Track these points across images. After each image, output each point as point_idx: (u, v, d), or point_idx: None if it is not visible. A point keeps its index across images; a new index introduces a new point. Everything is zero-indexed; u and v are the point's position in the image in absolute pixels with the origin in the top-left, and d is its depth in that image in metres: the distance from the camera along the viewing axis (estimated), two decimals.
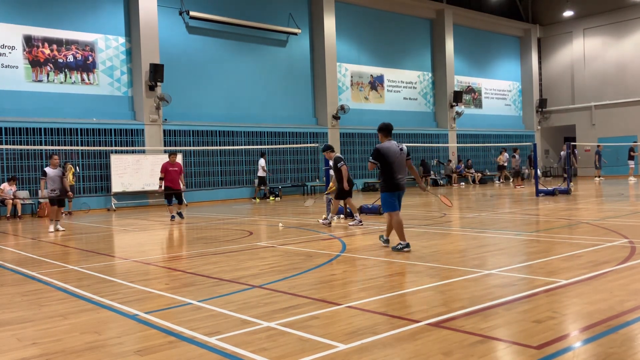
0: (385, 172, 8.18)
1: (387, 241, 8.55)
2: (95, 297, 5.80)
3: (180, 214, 15.11)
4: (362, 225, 11.64)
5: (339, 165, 12.03)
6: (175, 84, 21.68)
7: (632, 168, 26.83)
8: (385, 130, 8.33)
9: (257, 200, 22.39)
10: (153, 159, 20.40)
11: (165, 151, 21.20)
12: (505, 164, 27.95)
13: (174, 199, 15.04)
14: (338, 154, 12.63)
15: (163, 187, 14.76)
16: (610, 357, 3.56)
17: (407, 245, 8.02)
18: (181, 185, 15.02)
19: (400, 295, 5.43)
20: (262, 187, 22.47)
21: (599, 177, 27.79)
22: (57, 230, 13.09)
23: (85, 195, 19.44)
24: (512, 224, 11.22)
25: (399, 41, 29.76)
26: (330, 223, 11.98)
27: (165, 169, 14.75)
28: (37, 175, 18.74)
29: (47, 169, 13.11)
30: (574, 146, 30.41)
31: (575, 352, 3.70)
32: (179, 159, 20.58)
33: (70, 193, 13.72)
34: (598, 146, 28.12)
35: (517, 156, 25.82)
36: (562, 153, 24.94)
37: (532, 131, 35.75)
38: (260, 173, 22.25)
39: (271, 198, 22.58)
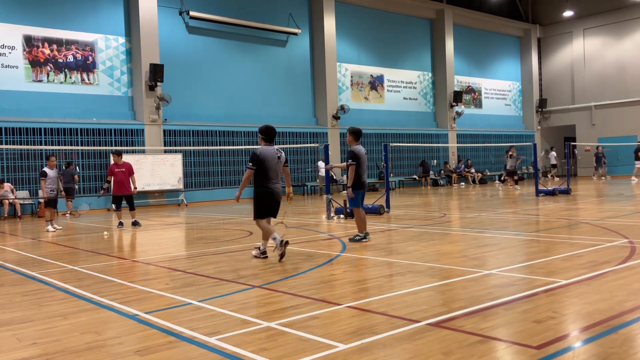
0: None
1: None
2: (95, 297, 5.80)
3: (136, 222, 13.54)
4: (265, 257, 7.95)
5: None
6: (175, 84, 21.68)
7: (637, 168, 26.77)
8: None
9: None
10: (153, 159, 20.40)
11: (165, 151, 21.24)
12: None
13: (123, 203, 13.81)
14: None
15: (107, 190, 13.60)
16: (610, 357, 3.56)
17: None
18: (132, 188, 13.69)
19: (400, 295, 5.42)
20: None
21: (602, 176, 27.88)
22: (55, 229, 13.17)
23: (85, 195, 19.43)
24: (512, 224, 11.22)
25: (399, 41, 29.75)
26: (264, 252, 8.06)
27: (111, 171, 13.69)
28: (37, 175, 18.74)
29: (47, 170, 12.97)
30: (574, 146, 30.38)
31: (575, 352, 3.70)
32: (178, 159, 20.89)
33: (63, 193, 13.40)
34: (598, 147, 28.12)
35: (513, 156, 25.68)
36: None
37: (532, 131, 35.74)
38: None
39: None
